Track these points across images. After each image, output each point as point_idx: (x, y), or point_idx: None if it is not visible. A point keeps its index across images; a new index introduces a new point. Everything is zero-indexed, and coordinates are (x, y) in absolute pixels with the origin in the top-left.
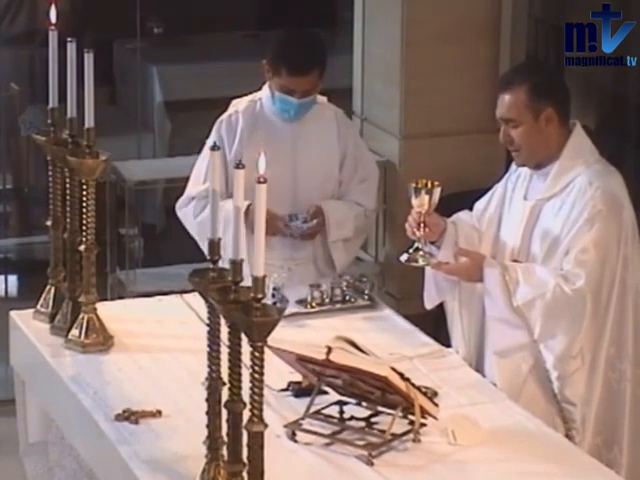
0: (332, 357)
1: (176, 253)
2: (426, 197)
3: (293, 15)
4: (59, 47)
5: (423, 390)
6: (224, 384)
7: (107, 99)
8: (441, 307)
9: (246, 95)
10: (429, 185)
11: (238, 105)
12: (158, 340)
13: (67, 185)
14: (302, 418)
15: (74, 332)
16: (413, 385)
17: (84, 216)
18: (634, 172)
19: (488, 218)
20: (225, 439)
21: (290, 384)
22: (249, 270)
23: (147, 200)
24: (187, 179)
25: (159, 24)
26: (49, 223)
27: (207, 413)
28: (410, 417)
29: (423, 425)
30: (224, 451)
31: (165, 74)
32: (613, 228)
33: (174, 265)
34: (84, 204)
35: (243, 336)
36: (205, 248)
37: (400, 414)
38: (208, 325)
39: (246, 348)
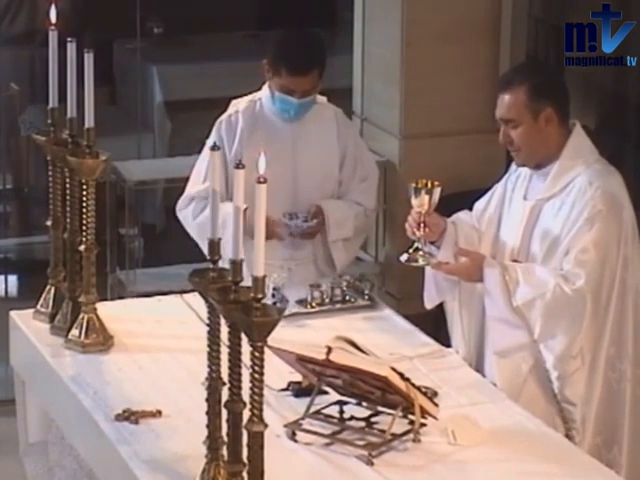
0: (332, 357)
1: (176, 253)
2: (426, 197)
3: (293, 15)
4: (59, 47)
5: (423, 390)
6: (224, 384)
7: (107, 99)
8: (441, 307)
9: (246, 95)
10: (429, 185)
11: (238, 105)
12: (158, 340)
13: (67, 185)
14: (302, 418)
15: (74, 332)
16: (413, 385)
17: (84, 216)
18: (634, 172)
19: (488, 218)
20: (225, 439)
21: (290, 384)
22: (248, 272)
23: (147, 200)
24: (187, 179)
25: (159, 24)
26: (49, 223)
27: (207, 413)
28: (410, 417)
29: (423, 425)
30: (224, 451)
31: (165, 74)
32: (613, 228)
33: (174, 265)
34: (84, 204)
35: (243, 336)
36: (205, 249)
37: (400, 414)
38: (208, 325)
39: (246, 348)
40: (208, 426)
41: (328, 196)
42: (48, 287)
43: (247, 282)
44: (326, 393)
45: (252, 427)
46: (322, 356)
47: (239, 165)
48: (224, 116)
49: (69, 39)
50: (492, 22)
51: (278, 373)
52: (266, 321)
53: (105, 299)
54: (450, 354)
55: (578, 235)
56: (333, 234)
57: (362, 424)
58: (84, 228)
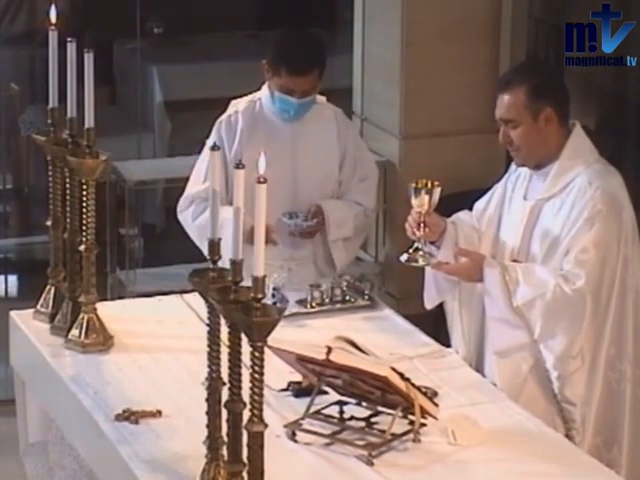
0: (332, 357)
1: (176, 253)
2: (426, 197)
3: (293, 15)
4: (59, 47)
5: (423, 390)
6: (224, 384)
7: (107, 99)
8: (441, 307)
9: (246, 95)
10: (429, 185)
11: (237, 105)
12: (158, 340)
13: (67, 185)
14: (302, 418)
15: (74, 332)
16: (413, 385)
17: (84, 216)
18: (634, 172)
19: (488, 218)
20: (225, 439)
21: (290, 384)
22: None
23: (147, 200)
24: (187, 179)
25: (159, 24)
26: (49, 223)
27: (207, 413)
28: (410, 417)
29: (423, 425)
30: (224, 451)
31: (165, 74)
32: (613, 228)
33: (174, 265)
34: (84, 204)
35: (243, 336)
36: (205, 250)
37: (400, 414)
38: (208, 325)
39: (246, 348)
40: (208, 426)
41: (328, 196)
42: (48, 287)
43: (247, 283)
44: (326, 393)
45: (252, 427)
46: (322, 356)
47: (239, 165)
48: (224, 116)
49: (69, 39)
50: (492, 22)
51: (278, 373)
52: (266, 321)
53: (105, 299)
54: (450, 354)
55: (578, 235)
56: (333, 234)
57: (362, 424)
58: (84, 228)
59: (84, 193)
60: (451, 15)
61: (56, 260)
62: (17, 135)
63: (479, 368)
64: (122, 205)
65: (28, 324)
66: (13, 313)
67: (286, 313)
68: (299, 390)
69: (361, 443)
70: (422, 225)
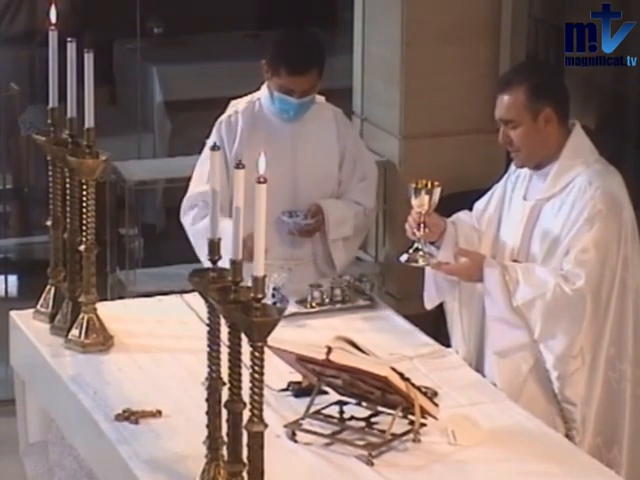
0: (332, 357)
1: (176, 253)
2: (426, 197)
3: (293, 15)
4: (59, 47)
5: (423, 390)
6: (224, 384)
7: (107, 99)
8: (441, 307)
9: (246, 95)
10: (429, 185)
11: (237, 106)
12: (158, 340)
13: (67, 185)
14: (302, 418)
15: (74, 332)
16: (413, 385)
17: (84, 216)
18: (634, 172)
19: (488, 218)
20: (225, 439)
21: (290, 384)
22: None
23: (147, 200)
24: (187, 179)
25: (159, 24)
26: (49, 223)
27: (207, 413)
28: (410, 417)
29: (423, 425)
30: (224, 451)
31: (165, 74)
32: (613, 228)
33: (174, 265)
34: (84, 204)
35: (243, 336)
36: (201, 256)
37: (400, 414)
38: (208, 325)
39: (246, 348)
40: (208, 426)
41: (328, 196)
42: (48, 287)
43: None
44: (326, 393)
45: (252, 427)
46: (322, 356)
47: (239, 165)
48: (224, 117)
49: (69, 39)
50: (492, 22)
51: (278, 373)
52: (266, 321)
53: (105, 299)
54: (450, 354)
55: (578, 235)
56: (333, 233)
57: (362, 424)
58: (84, 228)
59: (84, 193)
60: (451, 15)
61: (56, 260)
62: (17, 135)
63: (479, 368)
64: (122, 205)
65: (28, 324)
66: (13, 313)
67: (286, 313)
68: (299, 390)
69: (361, 443)
70: (422, 225)
